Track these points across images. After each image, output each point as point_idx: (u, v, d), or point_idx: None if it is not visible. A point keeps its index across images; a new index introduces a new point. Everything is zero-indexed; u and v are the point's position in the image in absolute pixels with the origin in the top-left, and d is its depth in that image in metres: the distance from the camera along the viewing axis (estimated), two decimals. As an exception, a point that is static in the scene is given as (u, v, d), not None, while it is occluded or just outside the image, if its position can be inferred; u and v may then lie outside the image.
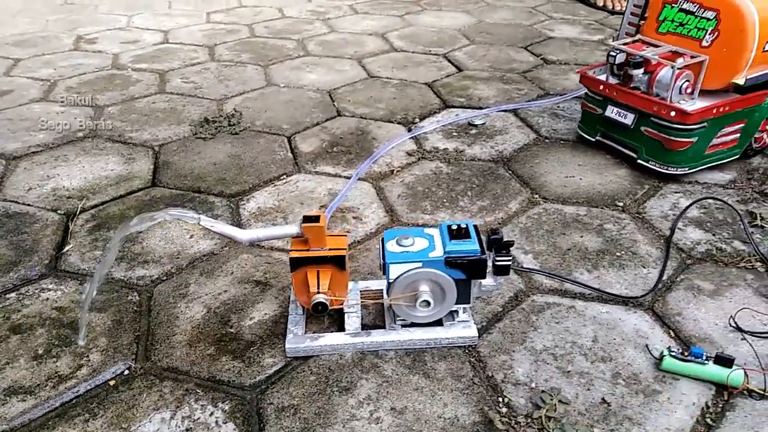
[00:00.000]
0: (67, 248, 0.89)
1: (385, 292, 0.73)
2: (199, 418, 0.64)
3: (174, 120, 1.30)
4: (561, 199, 1.03)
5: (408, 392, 0.66)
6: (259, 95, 1.44)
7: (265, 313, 0.78)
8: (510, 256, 0.68)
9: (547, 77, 1.57)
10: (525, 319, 0.77)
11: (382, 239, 0.71)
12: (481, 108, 1.37)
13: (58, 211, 0.98)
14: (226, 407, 0.65)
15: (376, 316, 0.77)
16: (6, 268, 0.85)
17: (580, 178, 1.09)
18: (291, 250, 0.70)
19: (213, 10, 2.22)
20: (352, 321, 0.74)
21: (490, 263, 0.69)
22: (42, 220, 0.96)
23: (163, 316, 0.77)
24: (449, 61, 1.69)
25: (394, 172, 1.12)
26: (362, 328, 0.74)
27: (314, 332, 0.73)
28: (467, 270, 0.68)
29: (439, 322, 0.74)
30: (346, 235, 0.73)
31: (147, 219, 0.65)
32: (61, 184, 1.06)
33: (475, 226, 0.70)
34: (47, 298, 0.80)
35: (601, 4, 2.26)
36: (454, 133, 1.27)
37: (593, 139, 1.19)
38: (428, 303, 0.69)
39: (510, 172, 1.12)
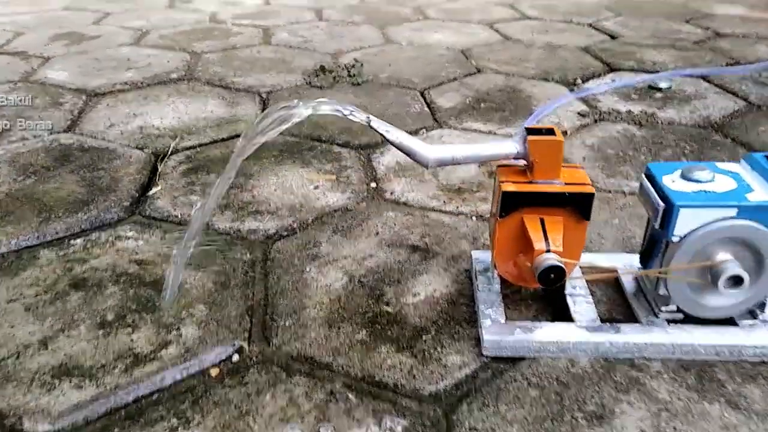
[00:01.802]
0: (155, 190, 0.66)
1: (639, 261, 0.46)
2: (354, 443, 0.38)
3: (283, 69, 1.08)
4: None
5: (712, 430, 0.38)
6: (378, 51, 1.21)
7: (435, 289, 0.51)
8: None
9: (729, 47, 1.26)
10: None
11: (649, 173, 0.43)
12: (658, 71, 1.09)
13: (145, 150, 0.76)
14: (398, 428, 0.39)
15: (611, 307, 0.49)
16: (74, 207, 0.63)
17: (839, 149, 0.79)
18: (503, 182, 0.43)
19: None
20: (584, 308, 0.47)
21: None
22: (124, 156, 0.74)
23: (286, 282, 0.52)
24: (597, 29, 1.41)
25: (568, 133, 0.85)
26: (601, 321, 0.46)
27: (522, 320, 0.46)
28: (818, 228, 0.40)
29: (729, 321, 0.45)
30: (582, 168, 0.46)
31: (285, 112, 0.41)
32: (149, 122, 0.84)
33: (812, 164, 0.42)
34: (125, 248, 0.57)
35: (761, -14, 1.92)
36: (634, 96, 0.98)
37: (838, 105, 0.88)
38: (739, 281, 0.41)
39: (730, 138, 0.83)
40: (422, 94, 0.98)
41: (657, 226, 0.42)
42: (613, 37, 1.34)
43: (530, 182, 0.43)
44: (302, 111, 0.41)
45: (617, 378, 0.42)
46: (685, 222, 0.40)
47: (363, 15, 1.51)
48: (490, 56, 1.18)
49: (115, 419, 0.39)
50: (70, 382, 0.42)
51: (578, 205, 0.43)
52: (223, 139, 0.80)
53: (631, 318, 0.47)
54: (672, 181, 0.42)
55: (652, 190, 0.42)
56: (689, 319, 0.45)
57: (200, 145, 0.78)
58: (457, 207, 0.65)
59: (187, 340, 0.45)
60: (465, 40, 1.29)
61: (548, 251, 0.42)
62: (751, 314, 0.45)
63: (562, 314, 0.47)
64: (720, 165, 0.44)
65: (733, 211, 0.40)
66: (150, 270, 0.53)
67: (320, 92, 0.98)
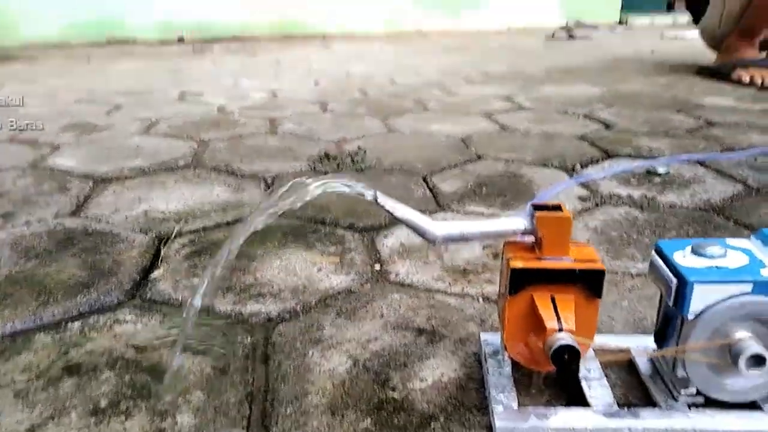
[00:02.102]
0: (156, 273, 0.66)
1: (653, 341, 0.44)
2: None
3: (289, 156, 1.10)
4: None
5: None
6: (381, 139, 1.24)
7: (442, 373, 0.49)
8: None
9: (722, 135, 1.30)
10: None
11: (659, 250, 0.43)
12: (655, 158, 1.11)
13: (149, 233, 0.76)
14: None
15: (626, 391, 0.47)
16: (74, 290, 0.62)
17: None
18: (511, 258, 0.43)
19: (321, 77, 2.12)
20: (599, 392, 0.45)
21: None
22: (127, 240, 0.74)
23: (288, 367, 0.50)
24: (592, 119, 1.46)
25: (571, 215, 0.85)
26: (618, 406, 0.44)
27: (535, 406, 0.44)
28: (837, 305, 0.39)
29: (752, 404, 0.43)
30: (590, 245, 0.45)
31: (301, 188, 0.41)
32: (154, 207, 0.85)
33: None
34: (122, 332, 0.55)
35: (746, 80, 2.00)
36: (633, 181, 1.00)
37: (836, 188, 0.89)
38: (762, 360, 0.39)
39: (732, 221, 0.83)
40: (425, 180, 1.00)
41: (671, 303, 0.41)
42: (607, 126, 1.38)
43: (539, 259, 0.42)
44: (313, 189, 0.41)
45: (640, 468, 0.39)
46: (699, 298, 0.39)
47: (366, 107, 1.57)
48: (488, 144, 1.21)
49: None
50: (57, 474, 0.39)
51: (589, 283, 0.42)
52: (227, 223, 0.80)
53: (649, 402, 0.44)
54: (683, 257, 0.41)
55: (664, 266, 0.42)
56: (710, 403, 0.42)
57: (204, 229, 0.78)
58: (463, 288, 0.64)
59: (182, 428, 0.43)
60: (464, 129, 1.33)
61: (561, 330, 0.40)
62: (775, 398, 0.43)
63: (577, 399, 0.45)
64: (730, 241, 0.43)
65: (749, 287, 0.39)
66: (147, 355, 0.52)
67: (325, 178, 0.99)
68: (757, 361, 0.39)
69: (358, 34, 4.00)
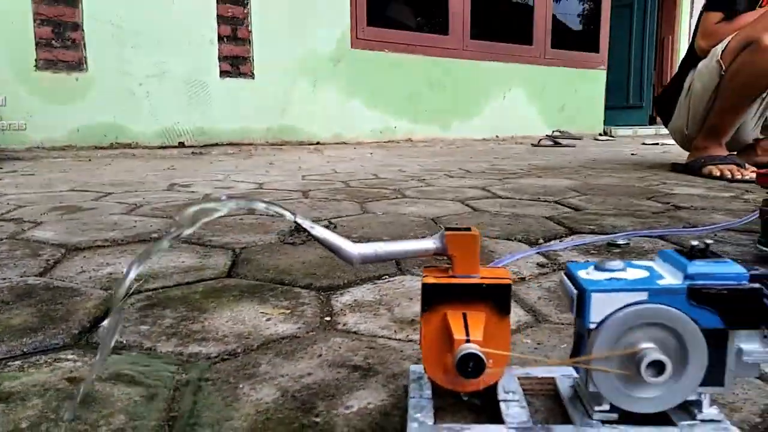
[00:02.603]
0: (107, 321, 0.67)
1: (570, 357, 0.45)
2: None
3: (260, 230, 1.14)
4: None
5: None
6: (355, 219, 1.28)
7: (369, 402, 0.49)
8: (800, 292, 0.40)
9: (686, 216, 1.34)
10: (816, 436, 0.44)
11: (567, 272, 0.45)
12: (616, 233, 1.14)
13: (109, 291, 0.78)
14: None
15: (547, 416, 0.47)
16: (21, 333, 0.63)
17: (789, 291, 0.80)
18: (424, 277, 0.45)
19: (308, 174, 2.22)
20: (516, 411, 0.45)
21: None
22: (86, 294, 0.75)
23: (216, 397, 0.50)
24: (563, 205, 1.51)
25: (526, 279, 0.87)
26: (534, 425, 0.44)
27: (451, 423, 0.44)
28: (727, 309, 0.40)
29: (665, 420, 0.43)
30: (506, 269, 0.47)
31: (211, 206, 0.44)
32: (119, 269, 0.87)
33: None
34: (61, 367, 0.55)
35: (717, 174, 2.09)
36: (593, 251, 1.02)
37: (785, 254, 0.91)
38: (662, 367, 0.40)
39: (684, 283, 0.85)
40: (390, 251, 1.03)
41: (575, 314, 0.42)
42: (576, 210, 1.43)
43: (450, 276, 0.45)
44: (225, 206, 0.44)
45: (549, 479, 0.39)
46: (598, 307, 0.41)
47: (345, 194, 1.63)
48: (457, 221, 1.25)
49: None
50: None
51: (497, 299, 0.44)
52: (188, 283, 0.82)
53: (567, 422, 0.44)
54: (587, 274, 0.43)
55: (569, 282, 0.44)
56: (625, 420, 0.42)
57: (164, 287, 0.80)
58: (407, 335, 0.64)
59: (97, 446, 0.43)
60: (436, 211, 1.38)
61: (468, 341, 0.42)
62: (687, 412, 0.43)
63: (496, 419, 0.45)
64: (635, 262, 0.46)
65: (645, 295, 0.41)
66: (79, 386, 0.52)
67: (293, 248, 1.02)
68: (658, 367, 0.40)
69: (350, 141, 4.20)
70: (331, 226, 1.14)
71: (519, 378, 0.50)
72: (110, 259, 0.93)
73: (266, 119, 3.79)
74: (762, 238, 0.96)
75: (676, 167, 2.33)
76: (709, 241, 0.43)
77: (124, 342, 0.62)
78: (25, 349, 0.59)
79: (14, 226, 1.16)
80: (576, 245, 1.06)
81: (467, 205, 1.48)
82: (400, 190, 1.72)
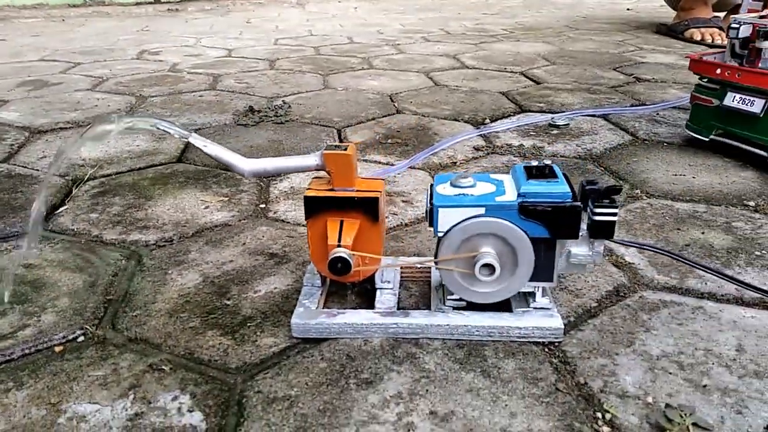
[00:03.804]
0: (61, 209, 0.75)
1: (434, 256, 0.53)
2: (157, 402, 0.45)
3: (217, 110, 1.18)
4: (670, 196, 0.80)
5: (457, 393, 0.45)
6: (313, 95, 1.32)
7: (275, 287, 0.59)
8: (615, 208, 0.47)
9: (641, 91, 1.36)
10: (632, 317, 0.54)
11: (431, 184, 0.52)
12: (563, 112, 1.18)
13: (66, 177, 0.85)
14: (198, 391, 0.46)
15: (420, 299, 0.57)
16: (-15, 222, 0.72)
17: (693, 177, 0.87)
18: (308, 189, 0.52)
19: (281, 37, 2.18)
20: (386, 298, 0.54)
21: (584, 224, 0.49)
22: (44, 182, 0.83)
23: (147, 282, 0.60)
24: (526, 77, 1.52)
25: (457, 163, 0.93)
26: (398, 308, 0.54)
27: (332, 309, 0.54)
28: (552, 222, 0.47)
29: (506, 307, 0.53)
30: (382, 180, 0.54)
31: (108, 123, 0.50)
32: (78, 155, 0.94)
33: (564, 172, 0.50)
34: (17, 255, 0.65)
35: (698, 38, 2.05)
36: (532, 133, 1.08)
37: (706, 139, 0.97)
38: (492, 269, 0.48)
39: (601, 167, 0.91)
40: (339, 132, 1.08)
41: (428, 225, 0.50)
42: (538, 83, 1.45)
43: (329, 190, 0.51)
44: (118, 125, 0.49)
45: (397, 353, 0.49)
46: (444, 219, 0.48)
47: (312, 65, 1.64)
48: (413, 100, 1.28)
49: (-40, 383, 0.47)
50: (-68, 355, 0.49)
51: (368, 209, 0.51)
52: (139, 168, 0.89)
53: (429, 307, 0.54)
54: (443, 188, 0.50)
55: (428, 194, 0.50)
56: (473, 307, 0.52)
57: (117, 173, 0.87)
58: (326, 224, 0.73)
59: (43, 324, 0.53)
60: (396, 86, 1.40)
61: (339, 246, 0.50)
62: (525, 300, 0.52)
63: (372, 305, 0.55)
64: (492, 175, 0.52)
65: (482, 210, 0.48)
66: (34, 271, 0.61)
67: (245, 129, 1.08)
68: (490, 268, 0.48)
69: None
70: (285, 105, 1.18)
71: (403, 267, 0.59)
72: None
73: (247, -31, 3.59)
74: (689, 122, 1.01)
75: (660, 29, 2.27)
76: (548, 162, 0.49)
77: (75, 229, 0.70)
78: (-13, 237, 0.68)
79: (-19, 105, 1.21)
80: (518, 125, 1.11)
81: (430, 78, 1.50)
82: (368, 59, 1.72)
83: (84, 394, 0.45)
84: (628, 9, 3.30)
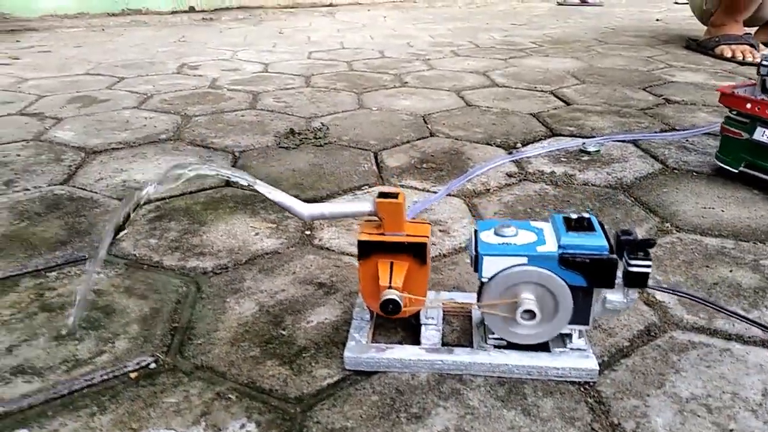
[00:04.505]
0: (122, 234, 0.81)
1: (475, 299, 0.58)
2: (227, 429, 0.49)
3: (259, 131, 1.24)
4: (699, 230, 0.83)
5: (500, 430, 0.49)
6: (349, 116, 1.36)
7: (326, 318, 0.64)
8: (649, 260, 0.51)
9: (671, 114, 1.38)
10: (662, 358, 0.57)
11: (475, 230, 0.56)
12: (593, 137, 1.21)
13: (122, 200, 0.91)
14: (262, 420, 0.50)
15: (461, 335, 0.61)
16: (54, 246, 0.77)
17: (722, 211, 0.89)
18: (361, 233, 0.56)
19: (315, 50, 2.23)
20: (431, 334, 0.59)
21: (619, 272, 0.52)
22: (104, 206, 0.89)
23: (208, 310, 0.65)
24: (556, 96, 1.55)
25: (491, 190, 0.97)
26: (443, 345, 0.58)
27: (380, 343, 0.58)
28: (590, 273, 0.51)
29: (544, 347, 0.56)
30: (429, 223, 0.58)
31: (179, 169, 0.55)
32: (132, 176, 1.00)
33: (600, 222, 0.54)
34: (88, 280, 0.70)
35: (728, 55, 2.05)
36: (563, 159, 1.11)
37: (736, 171, 0.99)
38: (533, 314, 0.52)
39: (632, 198, 0.94)
40: (375, 155, 1.13)
41: (473, 269, 0.54)
42: (568, 104, 1.48)
43: (381, 234, 0.56)
44: (187, 173, 0.54)
45: (443, 389, 0.53)
46: (489, 267, 0.52)
47: (346, 82, 1.69)
48: (446, 121, 1.32)
49: (51, 405, 0.52)
50: (24, 377, 0.55)
51: (416, 253, 0.55)
52: (191, 192, 0.95)
53: (471, 344, 0.58)
54: (487, 236, 0.54)
55: (473, 241, 0.54)
56: (513, 346, 0.56)
57: (170, 197, 0.93)
58: (369, 253, 0.77)
59: (118, 350, 0.58)
60: (429, 106, 1.44)
61: (390, 287, 0.54)
62: (562, 341, 0.56)
63: (418, 340, 0.59)
64: (532, 223, 0.56)
65: (525, 259, 0.52)
66: (103, 297, 0.67)
67: (286, 152, 1.13)
68: (531, 314, 0.52)
69: (364, 1, 4.05)
70: (324, 128, 1.22)
71: (444, 303, 0.63)
72: (124, 164, 1.05)
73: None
74: (719, 153, 1.03)
75: (690, 45, 2.27)
76: (586, 215, 0.53)
77: (137, 255, 0.76)
78: (58, 261, 0.74)
79: (38, 123, 1.27)
80: (549, 151, 1.14)
81: (461, 97, 1.53)
82: (400, 76, 1.76)
83: (161, 420, 0.50)
84: (657, 19, 3.29)
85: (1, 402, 0.52)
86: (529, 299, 0.52)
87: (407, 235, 0.55)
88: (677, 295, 0.67)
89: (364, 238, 0.55)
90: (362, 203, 0.56)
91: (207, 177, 0.56)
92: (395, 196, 0.55)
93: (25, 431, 0.50)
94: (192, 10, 3.35)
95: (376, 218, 0.57)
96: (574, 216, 0.53)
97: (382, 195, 0.55)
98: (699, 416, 0.50)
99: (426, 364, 0.55)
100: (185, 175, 0.55)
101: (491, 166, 1.07)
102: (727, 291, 0.69)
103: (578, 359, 0.54)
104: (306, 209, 0.57)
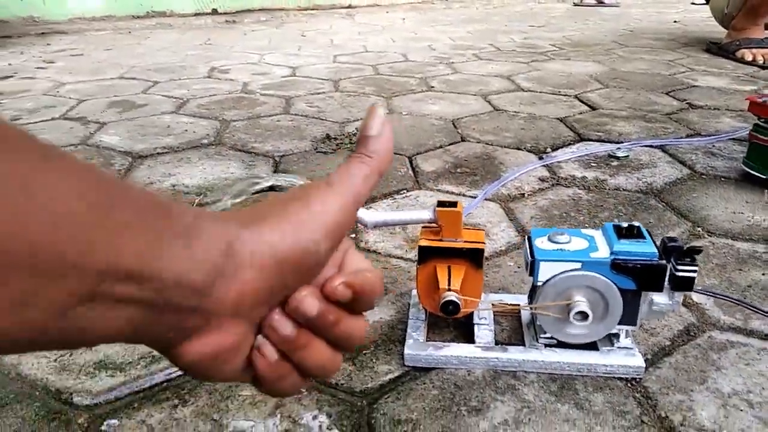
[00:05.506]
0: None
1: (527, 300, 0.61)
2: (301, 420, 0.53)
3: (296, 136, 1.28)
4: (730, 235, 0.86)
5: (556, 422, 0.53)
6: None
7: (381, 317, 0.67)
8: (696, 266, 0.54)
9: (695, 120, 1.41)
10: (703, 357, 0.61)
11: (529, 236, 0.59)
12: (621, 142, 1.24)
13: (175, 204, 0.95)
14: (333, 412, 0.54)
15: (511, 334, 0.64)
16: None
17: (752, 215, 0.92)
18: (421, 239, 0.60)
19: (339, 53, 2.27)
20: (484, 333, 0.62)
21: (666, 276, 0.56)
22: (159, 209, 0.93)
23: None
24: (581, 101, 1.58)
25: (525, 195, 1.01)
26: (495, 344, 0.61)
27: (436, 341, 0.62)
28: (640, 277, 0.55)
29: (593, 346, 0.60)
30: (483, 230, 0.62)
31: (251, 183, 0.59)
32: (181, 181, 1.04)
33: (648, 230, 0.57)
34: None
35: (749, 58, 2.07)
36: (593, 164, 1.14)
37: (764, 176, 1.02)
38: (585, 315, 0.56)
39: (663, 203, 0.97)
40: (410, 160, 1.16)
41: (528, 274, 0.57)
42: (593, 108, 1.51)
43: (440, 240, 0.59)
44: (266, 182, 0.58)
45: (499, 384, 0.57)
46: (545, 271, 0.56)
47: (374, 86, 1.72)
48: (475, 126, 1.36)
49: (135, 398, 0.56)
50: (106, 372, 0.59)
51: (473, 258, 0.59)
52: (237, 202, 0.99)
53: (522, 342, 0.62)
54: (541, 242, 0.58)
55: (528, 248, 0.58)
56: (562, 345, 0.59)
57: (214, 201, 0.97)
58: (415, 256, 0.81)
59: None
60: (457, 110, 1.47)
61: (449, 290, 0.58)
62: (610, 340, 0.59)
63: (471, 338, 0.63)
64: (583, 231, 0.59)
65: (578, 264, 0.55)
66: (170, 297, 0.71)
67: (324, 157, 1.17)
68: (583, 315, 0.56)
69: (383, 2, 4.09)
70: (358, 132, 1.26)
71: (494, 303, 0.67)
72: (171, 168, 1.10)
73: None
74: (746, 158, 1.06)
75: (710, 48, 2.29)
76: (636, 224, 0.56)
77: (196, 257, 0.80)
78: (123, 263, 0.78)
79: (82, 127, 1.32)
80: (579, 157, 1.17)
81: (488, 101, 1.56)
82: (426, 80, 1.80)
83: (239, 411, 0.54)
84: (675, 21, 3.30)
85: (90, 394, 0.56)
86: (582, 301, 0.56)
87: (465, 242, 0.59)
88: (718, 297, 0.70)
89: (425, 243, 0.59)
90: (422, 211, 0.60)
91: (277, 187, 0.59)
92: (454, 204, 0.59)
93: (115, 422, 0.54)
94: (215, 12, 3.40)
95: (434, 225, 0.61)
96: (624, 225, 0.56)
97: (441, 204, 0.59)
98: (741, 410, 0.54)
99: (482, 361, 0.59)
100: (264, 183, 0.59)
101: (523, 171, 1.10)
102: (760, 293, 0.72)
103: (625, 357, 0.58)
104: (370, 217, 0.60)
